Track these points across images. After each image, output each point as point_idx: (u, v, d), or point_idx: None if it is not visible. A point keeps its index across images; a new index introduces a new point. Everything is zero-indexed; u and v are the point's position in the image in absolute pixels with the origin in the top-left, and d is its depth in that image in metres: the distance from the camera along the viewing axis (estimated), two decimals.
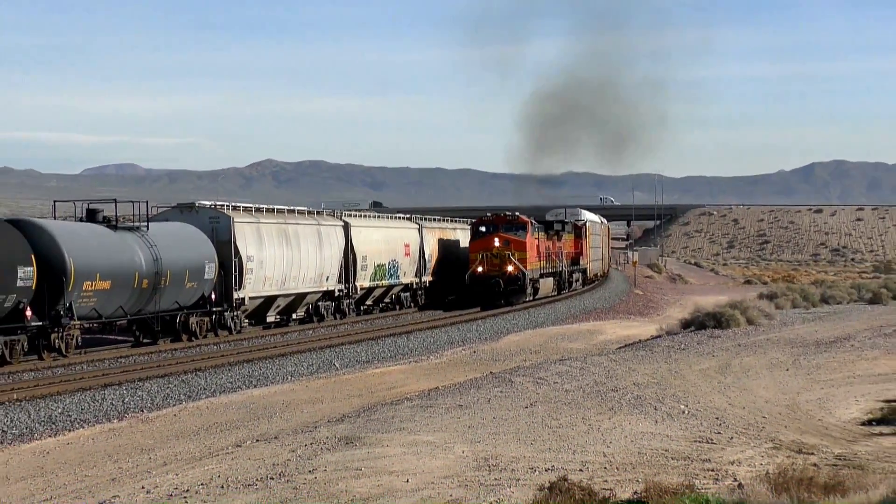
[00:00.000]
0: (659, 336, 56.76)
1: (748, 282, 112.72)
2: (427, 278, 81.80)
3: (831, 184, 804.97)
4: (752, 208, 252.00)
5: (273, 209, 64.16)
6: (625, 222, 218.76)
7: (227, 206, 58.47)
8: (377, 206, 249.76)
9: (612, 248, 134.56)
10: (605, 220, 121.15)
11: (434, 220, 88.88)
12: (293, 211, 66.73)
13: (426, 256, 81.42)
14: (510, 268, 68.81)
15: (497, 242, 69.17)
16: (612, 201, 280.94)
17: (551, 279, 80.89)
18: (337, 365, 43.84)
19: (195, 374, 40.15)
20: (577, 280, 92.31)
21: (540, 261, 76.01)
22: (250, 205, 63.69)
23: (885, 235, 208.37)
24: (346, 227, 69.89)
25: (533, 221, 74.49)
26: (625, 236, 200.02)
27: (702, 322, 59.62)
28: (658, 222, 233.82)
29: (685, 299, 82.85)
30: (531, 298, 72.43)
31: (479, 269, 69.01)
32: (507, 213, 74.19)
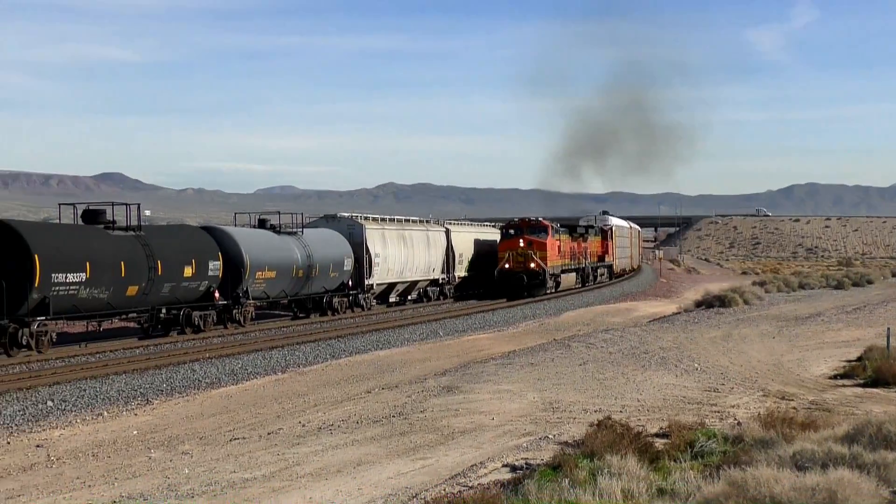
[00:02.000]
0: (678, 313, 56.52)
1: (744, 273, 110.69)
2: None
3: (806, 200, 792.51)
4: (747, 218, 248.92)
5: (394, 219, 64.23)
6: (653, 228, 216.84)
7: (360, 216, 58.69)
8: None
9: (643, 248, 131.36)
10: (634, 226, 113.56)
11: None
12: (409, 220, 66.65)
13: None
14: (532, 264, 64.59)
15: (521, 243, 65.13)
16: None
17: (574, 274, 75.30)
18: (441, 333, 44.05)
19: (336, 339, 40.37)
20: (602, 274, 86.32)
21: (562, 258, 71.11)
22: (377, 216, 63.72)
23: (846, 239, 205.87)
24: (448, 232, 69.22)
25: (554, 225, 69.65)
26: (653, 239, 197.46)
27: (710, 302, 59.97)
28: (677, 228, 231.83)
29: (698, 286, 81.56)
30: (552, 291, 68.05)
31: (507, 265, 65.06)
32: (531, 218, 69.30)
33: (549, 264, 65.61)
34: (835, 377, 31.79)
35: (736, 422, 22.37)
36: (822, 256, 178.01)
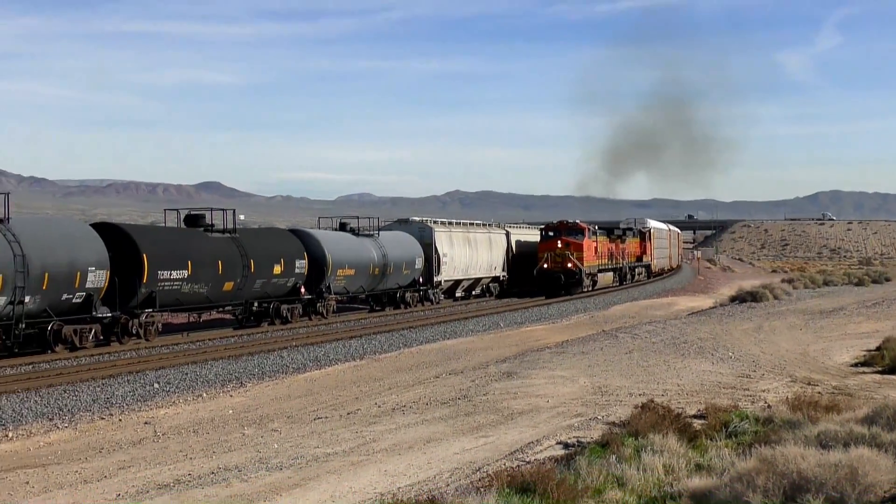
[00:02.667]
0: (714, 307, 56.01)
1: (774, 271, 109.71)
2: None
3: (830, 206, 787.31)
4: (776, 222, 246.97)
5: (460, 222, 64.12)
6: (692, 231, 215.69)
7: (430, 220, 58.72)
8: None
9: (683, 249, 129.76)
10: (673, 228, 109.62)
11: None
12: (473, 224, 66.44)
13: None
14: (569, 264, 61.50)
15: (559, 244, 62.13)
16: (692, 216, 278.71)
17: (611, 273, 71.63)
18: (501, 325, 43.99)
19: (408, 330, 40.40)
20: (640, 273, 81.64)
21: (598, 259, 67.23)
22: (445, 220, 63.73)
23: (866, 241, 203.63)
24: (508, 235, 69.18)
25: (590, 227, 65.88)
26: (692, 241, 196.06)
27: (743, 297, 59.43)
28: (714, 231, 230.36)
29: (732, 283, 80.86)
30: (589, 289, 64.53)
31: (545, 265, 61.99)
32: (569, 220, 66.08)
33: (585, 264, 62.84)
34: (856, 365, 31.65)
35: (766, 405, 22.26)
36: (844, 257, 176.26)
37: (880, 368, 29.97)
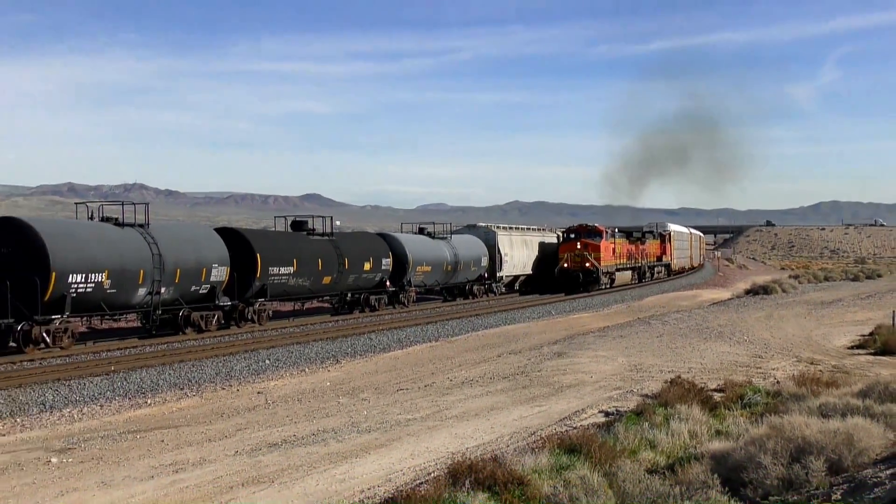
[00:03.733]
0: (732, 298, 55.49)
1: (782, 268, 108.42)
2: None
3: (830, 214, 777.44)
4: (785, 227, 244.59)
5: (518, 227, 63.93)
6: (713, 235, 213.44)
7: (493, 225, 58.56)
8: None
9: (706, 250, 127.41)
10: (695, 232, 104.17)
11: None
12: (529, 228, 66.19)
13: None
14: (587, 264, 56.30)
15: (578, 245, 56.95)
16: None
17: (629, 272, 65.76)
18: (553, 313, 43.86)
19: (475, 317, 40.31)
20: (659, 272, 76.07)
21: (616, 259, 61.61)
22: (506, 225, 63.62)
23: (861, 243, 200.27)
24: (559, 238, 68.88)
25: (608, 230, 60.60)
26: (713, 243, 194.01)
27: (756, 290, 58.71)
28: (731, 235, 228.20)
29: (747, 278, 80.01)
30: (607, 287, 59.52)
31: (565, 264, 56.81)
32: (588, 224, 60.80)
33: (602, 264, 57.47)
34: (852, 348, 31.65)
35: (775, 380, 22.20)
36: (842, 256, 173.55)
37: (873, 350, 30.08)
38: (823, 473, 10.60)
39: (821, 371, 23.26)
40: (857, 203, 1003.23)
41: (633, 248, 66.98)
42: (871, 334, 33.41)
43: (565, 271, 56.98)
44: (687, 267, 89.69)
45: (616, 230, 64.15)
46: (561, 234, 62.75)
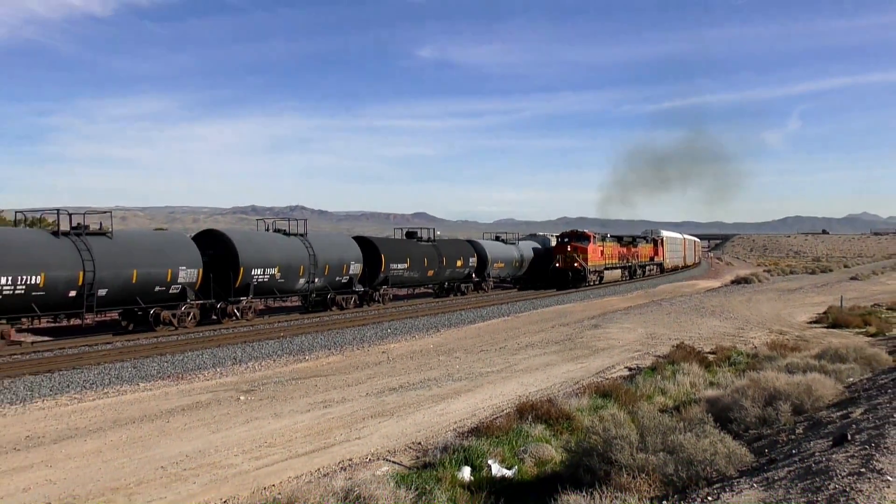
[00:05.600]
0: (721, 287, 54.48)
1: (758, 265, 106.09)
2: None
3: (794, 225, 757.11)
4: (760, 234, 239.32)
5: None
6: (707, 241, 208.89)
7: (548, 234, 58.00)
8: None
9: (703, 251, 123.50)
10: (689, 237, 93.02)
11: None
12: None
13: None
14: (576, 264, 49.07)
15: (569, 248, 49.75)
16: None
17: (619, 270, 57.07)
18: (591, 296, 43.35)
19: (536, 299, 40.05)
20: (651, 270, 66.97)
21: (604, 259, 53.44)
22: (556, 234, 62.96)
23: (817, 247, 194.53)
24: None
25: (596, 235, 52.64)
26: (707, 247, 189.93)
27: (739, 281, 57.81)
28: (720, 241, 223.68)
29: (732, 272, 78.55)
30: (595, 283, 51.55)
31: (557, 264, 49.57)
32: (578, 230, 52.60)
33: (589, 264, 50.03)
34: (810, 323, 31.01)
35: (753, 346, 21.84)
36: (803, 257, 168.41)
37: (826, 325, 29.58)
38: (789, 414, 10.39)
39: (787, 339, 22.92)
40: (814, 217, 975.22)
41: (625, 250, 59.46)
42: (824, 313, 32.78)
43: (557, 270, 49.84)
44: (680, 265, 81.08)
45: (608, 235, 56.99)
46: (556, 239, 54.48)
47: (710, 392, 13.29)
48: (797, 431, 9.46)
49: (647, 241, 67.44)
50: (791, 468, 7.27)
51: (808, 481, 6.55)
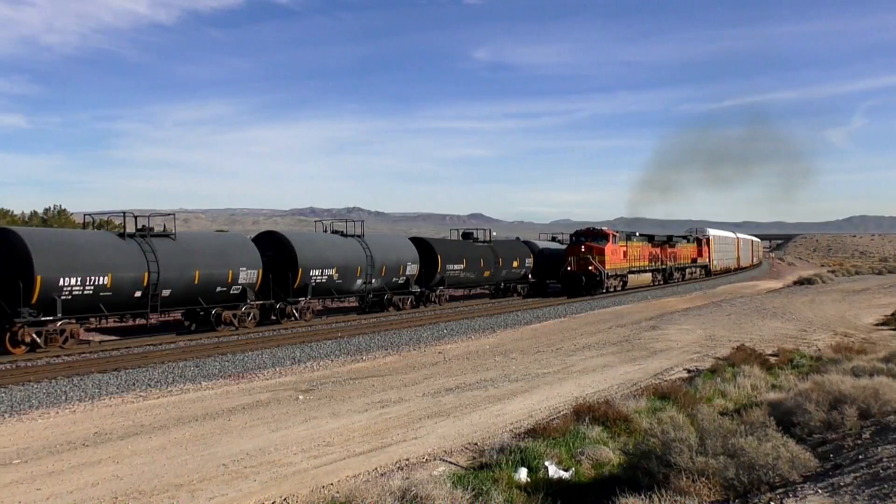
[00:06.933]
0: (783, 288, 53.37)
1: (822, 265, 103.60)
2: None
3: (861, 224, 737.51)
4: (824, 234, 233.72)
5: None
6: (769, 241, 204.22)
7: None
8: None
9: (763, 252, 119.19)
10: (744, 236, 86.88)
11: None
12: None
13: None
14: (590, 267, 41.75)
15: (583, 249, 42.43)
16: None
17: (649, 274, 49.67)
18: (649, 297, 42.77)
19: (592, 300, 39.75)
20: (693, 273, 59.68)
21: (628, 262, 46.04)
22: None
23: (884, 246, 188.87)
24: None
25: (616, 233, 44.84)
26: (769, 247, 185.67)
27: (802, 282, 56.29)
28: (782, 241, 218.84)
29: (794, 273, 76.98)
30: (616, 289, 44.54)
31: (569, 267, 42.42)
32: (594, 227, 44.63)
33: (607, 267, 42.84)
34: (877, 325, 30.22)
35: (817, 349, 21.33)
36: (869, 257, 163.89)
37: (893, 327, 29.00)
38: (855, 418, 10.12)
39: (853, 342, 22.28)
40: (881, 216, 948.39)
41: (658, 250, 52.18)
42: (892, 315, 32.00)
43: (569, 275, 42.73)
44: (733, 267, 75.00)
45: (636, 233, 50.06)
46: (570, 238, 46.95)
47: (772, 395, 13.01)
48: (864, 436, 9.21)
49: (688, 241, 60.74)
50: (857, 474, 7.09)
51: (876, 487, 6.38)
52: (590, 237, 43.64)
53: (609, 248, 43.30)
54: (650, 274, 50.36)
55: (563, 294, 42.63)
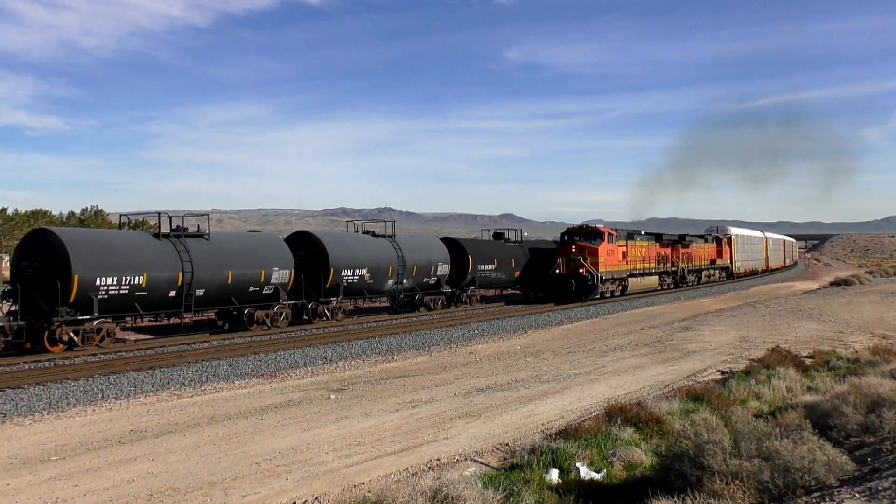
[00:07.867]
0: (819, 288, 52.55)
1: (860, 266, 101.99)
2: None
3: None
4: (862, 234, 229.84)
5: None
6: (804, 241, 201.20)
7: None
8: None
9: (799, 253, 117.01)
10: (773, 235, 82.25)
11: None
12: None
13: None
14: (581, 270, 36.87)
15: (573, 249, 37.46)
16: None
17: (654, 277, 44.61)
18: (682, 298, 42.42)
19: (624, 300, 39.52)
20: (710, 275, 54.49)
21: (627, 263, 40.92)
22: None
23: None
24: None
25: (613, 231, 39.39)
26: (804, 248, 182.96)
27: (839, 283, 55.29)
28: (818, 241, 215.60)
29: (831, 273, 75.68)
30: (613, 294, 39.77)
31: (558, 270, 37.49)
32: (588, 225, 39.55)
33: (601, 269, 37.66)
34: None
35: (854, 350, 20.97)
36: None
37: None
38: (894, 421, 9.93)
39: (891, 344, 21.81)
40: None
41: (667, 251, 47.50)
42: None
43: (557, 278, 37.80)
44: (761, 269, 70.53)
45: (641, 232, 45.35)
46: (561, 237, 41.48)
47: (808, 398, 12.84)
48: None
49: (705, 241, 55.44)
50: None
51: None
52: (582, 236, 39.03)
53: (604, 248, 38.51)
54: (657, 277, 45.58)
55: (549, 300, 37.59)
